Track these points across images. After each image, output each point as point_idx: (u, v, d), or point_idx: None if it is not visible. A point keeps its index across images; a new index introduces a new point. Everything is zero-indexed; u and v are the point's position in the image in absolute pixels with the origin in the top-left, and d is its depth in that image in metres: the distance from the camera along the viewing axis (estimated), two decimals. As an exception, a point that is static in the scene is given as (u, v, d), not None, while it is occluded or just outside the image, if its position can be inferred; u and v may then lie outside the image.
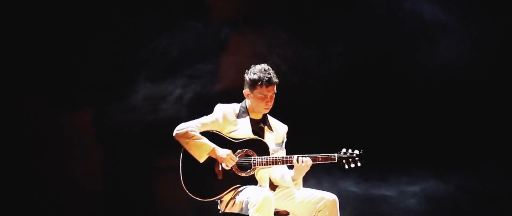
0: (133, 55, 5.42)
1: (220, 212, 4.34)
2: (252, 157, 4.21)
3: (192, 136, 4.19)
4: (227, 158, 4.16)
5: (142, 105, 5.47)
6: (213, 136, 4.24)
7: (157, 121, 5.47)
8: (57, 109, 5.37)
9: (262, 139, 4.27)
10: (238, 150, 4.22)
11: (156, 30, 5.46)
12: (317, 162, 4.20)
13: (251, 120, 4.34)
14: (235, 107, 4.37)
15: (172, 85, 5.48)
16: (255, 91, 4.23)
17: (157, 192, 5.64)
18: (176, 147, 4.31)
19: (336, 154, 4.23)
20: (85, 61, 5.38)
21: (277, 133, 4.38)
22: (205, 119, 4.33)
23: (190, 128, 4.23)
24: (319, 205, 4.21)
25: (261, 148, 4.24)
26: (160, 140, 5.37)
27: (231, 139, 4.23)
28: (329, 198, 4.23)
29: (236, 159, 4.18)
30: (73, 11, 5.32)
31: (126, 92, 5.43)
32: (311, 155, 4.17)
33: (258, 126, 4.34)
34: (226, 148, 4.21)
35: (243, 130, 4.28)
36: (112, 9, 5.41)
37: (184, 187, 4.19)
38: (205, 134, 4.24)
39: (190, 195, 4.19)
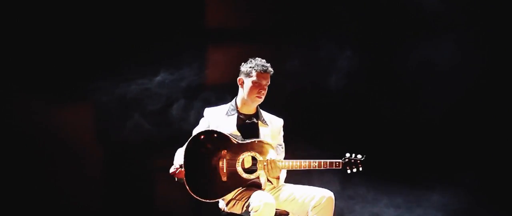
0: (131, 54, 5.43)
1: (221, 210, 4.34)
2: (258, 160, 4.18)
3: (176, 154, 4.31)
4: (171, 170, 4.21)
5: (141, 104, 5.47)
6: (223, 138, 4.19)
7: (158, 120, 5.47)
8: (56, 108, 5.37)
9: (269, 143, 4.22)
10: (245, 153, 4.19)
11: (156, 29, 5.47)
12: (322, 168, 4.19)
13: (241, 115, 4.33)
14: (224, 106, 4.39)
15: (176, 82, 5.50)
16: (250, 79, 4.25)
17: (156, 192, 5.64)
18: (175, 147, 4.34)
19: (341, 161, 4.20)
20: (83, 60, 5.38)
21: (272, 127, 4.37)
22: (198, 126, 4.40)
23: (180, 149, 4.30)
24: (314, 201, 4.19)
25: (266, 150, 4.20)
26: (160, 140, 5.45)
27: (237, 142, 4.19)
28: (325, 195, 4.20)
29: (175, 169, 4.17)
30: (72, 10, 5.35)
31: (125, 91, 5.42)
32: (316, 160, 4.15)
33: (251, 121, 4.34)
34: (232, 150, 4.18)
35: (227, 127, 4.27)
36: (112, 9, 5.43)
37: (187, 187, 4.16)
38: (215, 133, 4.22)
39: (193, 194, 4.16)
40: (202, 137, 4.21)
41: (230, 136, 4.21)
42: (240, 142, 4.20)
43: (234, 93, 4.42)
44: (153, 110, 5.46)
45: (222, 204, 4.35)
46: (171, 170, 4.18)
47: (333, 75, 5.55)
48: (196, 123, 4.42)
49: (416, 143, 5.74)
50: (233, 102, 4.39)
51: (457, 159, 5.75)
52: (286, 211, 4.33)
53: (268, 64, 4.29)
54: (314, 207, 4.18)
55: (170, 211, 5.65)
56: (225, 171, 4.17)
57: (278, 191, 4.32)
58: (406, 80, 5.74)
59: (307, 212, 4.20)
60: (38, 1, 5.27)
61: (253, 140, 4.22)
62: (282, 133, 4.43)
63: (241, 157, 4.18)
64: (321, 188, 4.27)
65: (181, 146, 4.28)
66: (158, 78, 5.40)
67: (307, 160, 4.16)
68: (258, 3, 5.67)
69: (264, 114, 4.43)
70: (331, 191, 4.24)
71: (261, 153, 4.19)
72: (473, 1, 5.66)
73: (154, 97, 5.45)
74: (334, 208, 4.22)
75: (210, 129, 4.25)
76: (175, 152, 4.29)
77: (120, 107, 5.42)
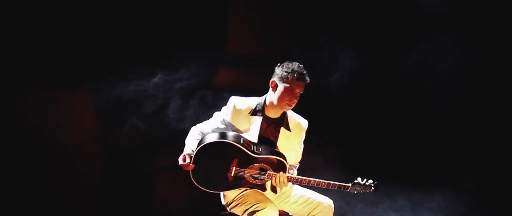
0: (129, 55, 5.34)
1: (223, 205, 4.28)
2: (268, 172, 4.11)
3: (188, 135, 4.22)
4: (180, 161, 4.08)
5: (139, 105, 5.38)
6: (237, 149, 4.08)
7: (155, 121, 5.39)
8: (56, 107, 5.28)
9: (283, 159, 4.11)
10: (256, 164, 4.10)
11: (154, 29, 5.39)
12: (330, 188, 4.12)
13: (266, 119, 4.18)
14: (252, 102, 4.20)
15: (173, 83, 5.42)
16: (284, 84, 4.06)
17: (155, 193, 5.56)
18: (173, 147, 4.30)
19: (350, 184, 4.13)
20: (81, 60, 5.29)
21: (295, 132, 4.24)
22: (215, 117, 4.25)
23: (196, 127, 4.23)
24: (313, 208, 4.18)
25: (279, 165, 4.12)
26: (157, 141, 5.38)
27: (250, 154, 4.08)
28: (325, 203, 4.20)
29: (186, 163, 4.04)
30: (70, 9, 5.26)
31: (123, 92, 5.34)
32: (326, 180, 4.09)
33: (274, 126, 4.20)
34: (244, 160, 4.08)
35: (250, 134, 4.17)
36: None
37: (191, 177, 4.07)
38: (229, 146, 4.08)
39: (195, 182, 4.08)
40: (216, 144, 4.08)
41: (244, 149, 4.08)
42: (253, 155, 4.09)
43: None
44: (151, 110, 5.38)
45: (224, 199, 4.29)
46: (180, 161, 4.07)
47: (334, 75, 5.48)
48: (194, 123, 4.35)
49: (417, 145, 5.71)
50: (261, 100, 4.21)
51: (458, 161, 5.73)
52: (285, 211, 4.31)
53: (305, 72, 4.09)
54: (314, 215, 4.18)
55: (170, 212, 5.58)
56: (232, 175, 4.12)
57: (280, 193, 4.27)
58: (408, 81, 5.70)
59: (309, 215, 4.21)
60: (36, 0, 5.19)
61: (267, 156, 4.11)
62: (303, 137, 4.31)
63: (251, 166, 4.11)
64: (322, 196, 4.24)
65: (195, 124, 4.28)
66: (156, 79, 5.34)
67: (316, 179, 4.09)
68: (259, 2, 5.62)
69: (291, 116, 4.27)
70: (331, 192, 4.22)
71: (272, 166, 4.11)
72: (475, 1, 5.63)
73: (152, 98, 5.37)
74: (333, 216, 4.23)
75: (226, 141, 4.08)
76: (173, 152, 4.24)
77: (118, 107, 5.34)
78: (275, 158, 4.11)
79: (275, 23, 5.60)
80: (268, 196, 4.24)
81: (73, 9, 5.21)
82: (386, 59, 5.68)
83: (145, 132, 5.35)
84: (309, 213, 4.20)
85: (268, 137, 4.20)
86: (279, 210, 4.21)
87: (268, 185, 4.18)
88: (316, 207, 4.19)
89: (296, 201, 4.24)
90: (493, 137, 5.75)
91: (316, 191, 4.28)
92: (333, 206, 4.22)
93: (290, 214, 4.31)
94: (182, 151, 4.14)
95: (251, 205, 4.10)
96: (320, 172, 5.15)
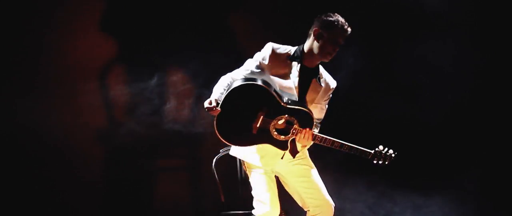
0: (127, 55, 5.34)
1: (234, 156, 4.22)
2: (294, 126, 3.99)
3: (217, 83, 4.09)
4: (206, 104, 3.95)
5: (137, 105, 5.36)
6: (267, 99, 3.95)
7: (154, 121, 5.36)
8: (53, 109, 5.25)
9: (311, 113, 3.98)
10: (285, 116, 3.97)
11: (152, 29, 5.38)
12: (351, 153, 4.06)
13: (303, 68, 4.06)
14: (291, 49, 4.08)
15: (171, 84, 5.37)
16: (328, 33, 3.95)
17: (155, 194, 5.52)
18: (175, 146, 4.22)
19: (372, 151, 4.08)
20: (79, 60, 5.28)
21: (324, 88, 4.12)
22: (248, 63, 4.10)
23: (226, 76, 4.11)
24: (314, 205, 4.12)
25: (306, 121, 3.98)
26: (160, 140, 5.34)
27: (282, 104, 3.95)
28: (327, 203, 4.14)
29: (212, 106, 3.89)
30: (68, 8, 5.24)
31: (121, 93, 5.33)
32: (349, 143, 4.02)
33: (307, 76, 4.06)
34: (276, 111, 3.95)
35: (288, 80, 4.02)
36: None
37: (214, 124, 3.95)
38: (261, 91, 3.95)
39: (217, 133, 3.96)
40: (248, 87, 3.96)
41: (276, 96, 3.96)
42: (283, 104, 3.97)
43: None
44: (149, 111, 5.34)
45: (237, 153, 4.20)
46: (206, 104, 3.95)
47: (335, 75, 5.44)
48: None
49: (418, 146, 5.67)
50: (300, 48, 4.08)
51: (461, 163, 5.70)
52: (284, 212, 4.26)
53: (348, 24, 4.02)
54: (313, 213, 4.13)
55: (170, 213, 5.53)
56: (258, 125, 3.98)
57: (300, 167, 4.18)
58: (408, 81, 5.66)
59: (305, 208, 4.16)
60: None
61: (297, 107, 3.98)
62: (330, 96, 4.21)
63: (278, 117, 3.99)
64: (327, 196, 4.17)
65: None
66: (154, 79, 5.30)
67: (340, 141, 4.03)
68: (258, 2, 5.59)
69: (322, 72, 4.17)
70: (330, 189, 4.19)
71: (300, 121, 3.98)
72: (475, 1, 5.62)
73: (150, 98, 5.34)
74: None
75: (260, 84, 3.95)
76: (172, 152, 4.15)
77: (116, 108, 5.33)
78: (305, 111, 3.99)
79: (275, 22, 5.57)
80: (284, 162, 4.14)
81: (71, 9, 5.19)
82: (386, 59, 5.66)
83: (144, 133, 5.31)
84: (310, 209, 4.14)
85: (300, 87, 4.07)
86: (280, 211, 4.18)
87: (290, 141, 4.05)
88: (317, 204, 4.12)
89: (303, 186, 4.15)
90: (495, 138, 5.72)
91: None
92: (333, 208, 4.16)
93: (288, 190, 4.24)
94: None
95: (258, 196, 4.09)
96: (320, 172, 5.13)
